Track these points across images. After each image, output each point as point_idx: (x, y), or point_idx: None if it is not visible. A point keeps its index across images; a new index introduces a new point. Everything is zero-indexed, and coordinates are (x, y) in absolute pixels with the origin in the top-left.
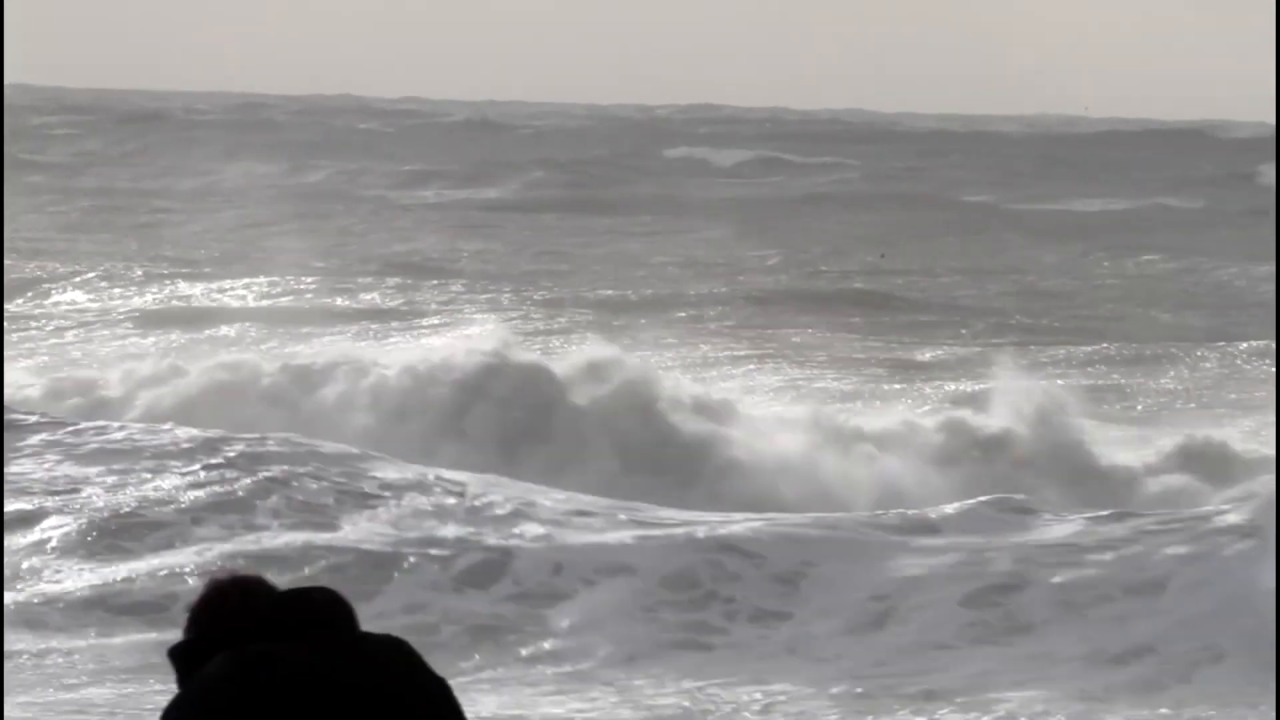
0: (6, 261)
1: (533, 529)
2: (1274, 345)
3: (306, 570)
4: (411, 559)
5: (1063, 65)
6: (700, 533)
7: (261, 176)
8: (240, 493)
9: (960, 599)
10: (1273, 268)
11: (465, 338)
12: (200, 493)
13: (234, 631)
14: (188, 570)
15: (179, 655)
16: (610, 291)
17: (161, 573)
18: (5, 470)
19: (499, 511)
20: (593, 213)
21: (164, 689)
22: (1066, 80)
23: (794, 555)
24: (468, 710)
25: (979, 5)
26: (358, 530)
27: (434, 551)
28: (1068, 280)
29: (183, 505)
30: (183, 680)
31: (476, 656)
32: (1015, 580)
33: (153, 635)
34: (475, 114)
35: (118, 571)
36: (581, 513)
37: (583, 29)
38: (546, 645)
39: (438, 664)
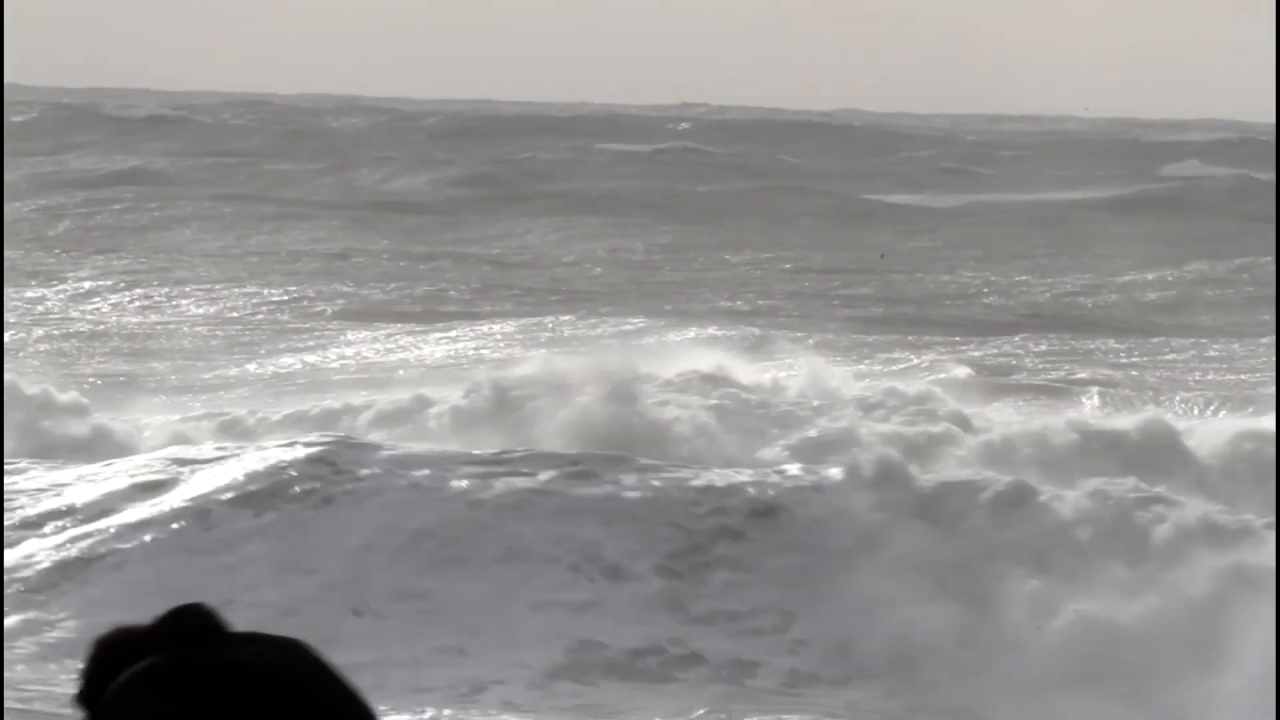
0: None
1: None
2: (1274, 344)
3: None
4: None
5: (1062, 65)
6: None
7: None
8: None
9: None
10: (1141, 273)
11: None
12: None
13: (133, 660)
14: None
15: (85, 697)
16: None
17: None
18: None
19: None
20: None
21: None
22: (1066, 80)
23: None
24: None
25: (979, 5)
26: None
27: None
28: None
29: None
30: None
31: None
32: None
33: None
34: (431, 111)
35: None
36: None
37: (583, 29)
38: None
39: None
